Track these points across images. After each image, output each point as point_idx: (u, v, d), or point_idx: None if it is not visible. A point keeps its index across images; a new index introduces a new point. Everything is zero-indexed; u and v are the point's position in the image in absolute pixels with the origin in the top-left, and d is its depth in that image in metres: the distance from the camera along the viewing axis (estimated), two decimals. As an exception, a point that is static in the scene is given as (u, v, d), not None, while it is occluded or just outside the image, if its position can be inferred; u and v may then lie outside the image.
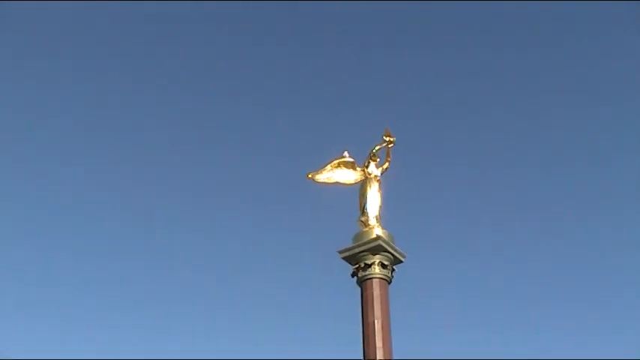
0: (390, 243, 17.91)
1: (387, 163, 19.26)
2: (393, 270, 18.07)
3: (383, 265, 17.61)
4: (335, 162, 19.50)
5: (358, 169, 19.34)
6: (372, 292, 17.38)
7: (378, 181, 18.97)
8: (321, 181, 19.47)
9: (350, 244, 18.08)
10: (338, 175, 19.41)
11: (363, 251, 17.63)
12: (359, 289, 17.84)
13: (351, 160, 19.52)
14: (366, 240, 17.77)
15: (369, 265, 17.53)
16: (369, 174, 19.01)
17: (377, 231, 17.90)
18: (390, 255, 17.79)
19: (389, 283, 17.91)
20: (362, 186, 18.97)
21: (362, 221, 18.39)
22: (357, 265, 17.73)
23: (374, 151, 19.25)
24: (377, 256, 17.57)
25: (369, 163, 19.21)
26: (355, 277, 17.94)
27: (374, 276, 17.46)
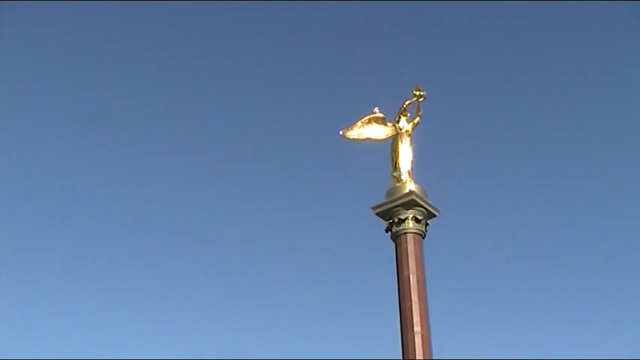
0: (423, 197, 17.93)
1: (417, 118, 19.16)
2: (427, 224, 18.12)
3: (417, 220, 17.66)
4: (366, 118, 19.49)
5: (389, 124, 19.30)
6: (407, 247, 17.46)
7: (409, 136, 18.92)
8: (353, 137, 19.50)
9: (383, 200, 18.14)
10: (369, 131, 19.41)
11: (396, 206, 17.67)
12: (393, 244, 17.93)
13: (382, 115, 19.48)
14: (399, 195, 17.79)
15: (403, 220, 17.58)
16: (400, 129, 18.96)
17: (410, 186, 17.91)
18: (423, 209, 17.82)
19: (423, 237, 17.97)
20: (393, 141, 18.95)
21: (394, 177, 18.41)
22: (391, 221, 17.80)
23: (404, 106, 19.17)
24: (410, 210, 17.61)
25: (399, 118, 19.15)
26: (389, 233, 18.03)
27: (408, 231, 17.53)
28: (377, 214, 18.17)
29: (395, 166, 18.56)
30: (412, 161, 18.63)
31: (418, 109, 19.20)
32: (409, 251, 17.44)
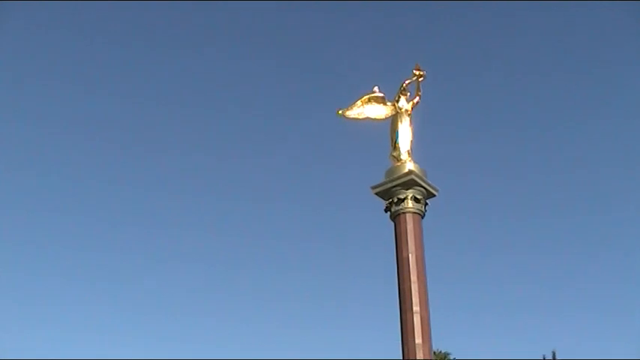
0: (423, 177, 17.86)
1: (417, 98, 19.03)
2: (426, 204, 18.07)
3: (416, 200, 17.60)
4: (365, 97, 19.35)
5: (389, 103, 19.16)
6: (406, 227, 17.42)
7: (409, 115, 18.79)
8: (352, 117, 19.37)
9: (382, 180, 18.07)
10: (368, 110, 19.28)
11: (395, 186, 17.61)
12: (392, 224, 17.89)
13: (381, 95, 19.34)
14: (398, 175, 17.72)
15: (402, 200, 17.52)
16: (400, 108, 18.84)
17: (409, 165, 17.83)
18: (422, 189, 17.76)
19: (422, 217, 17.93)
20: (393, 121, 18.83)
21: (394, 156, 18.32)
22: (390, 200, 17.74)
23: (404, 85, 19.03)
24: (410, 190, 17.54)
25: (399, 97, 19.01)
26: (389, 213, 17.99)
27: (407, 210, 17.48)
28: (376, 193, 18.12)
29: (394, 146, 18.46)
30: (412, 141, 18.53)
31: (418, 89, 19.07)
32: (408, 231, 17.40)
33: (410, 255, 17.10)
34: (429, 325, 16.80)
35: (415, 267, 17.01)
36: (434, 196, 18.20)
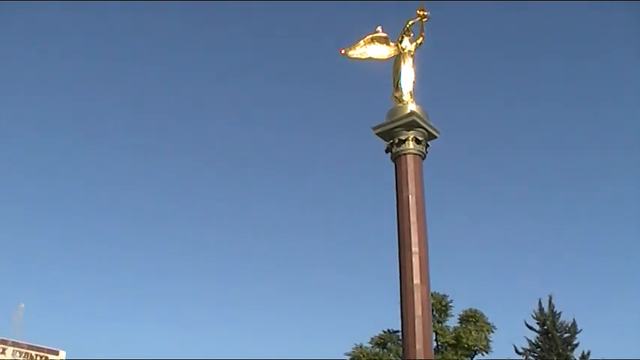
0: (424, 119, 17.80)
1: (420, 39, 18.84)
2: (427, 146, 18.04)
3: (417, 141, 17.57)
4: (368, 37, 19.15)
5: (392, 44, 18.98)
6: (406, 168, 17.43)
7: (412, 56, 18.64)
8: (355, 56, 19.21)
9: (384, 120, 18.02)
10: (371, 50, 19.10)
11: (397, 127, 17.56)
12: (393, 165, 17.90)
13: (385, 35, 19.15)
14: (400, 116, 17.67)
15: (403, 141, 17.49)
16: (403, 49, 18.67)
17: (411, 107, 17.76)
18: (424, 130, 17.71)
19: (423, 158, 17.92)
20: (396, 61, 18.68)
21: (396, 97, 18.23)
22: (392, 141, 17.71)
23: (407, 26, 18.82)
24: (411, 131, 17.50)
25: (402, 38, 18.82)
26: (389, 154, 17.97)
27: (408, 152, 17.46)
28: (377, 134, 18.08)
29: (397, 87, 18.34)
30: (414, 82, 18.41)
31: (421, 30, 18.86)
32: (409, 172, 17.41)
33: (410, 196, 17.15)
34: (427, 265, 16.96)
35: (415, 208, 17.08)
36: (435, 137, 18.18)
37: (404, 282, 16.70)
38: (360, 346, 41.91)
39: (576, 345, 54.51)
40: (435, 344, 36.50)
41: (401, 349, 19.92)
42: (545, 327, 54.61)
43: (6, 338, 79.95)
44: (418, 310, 16.27)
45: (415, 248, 16.77)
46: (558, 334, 54.35)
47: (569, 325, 54.87)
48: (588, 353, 53.99)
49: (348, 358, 41.66)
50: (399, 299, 16.89)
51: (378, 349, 41.91)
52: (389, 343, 41.62)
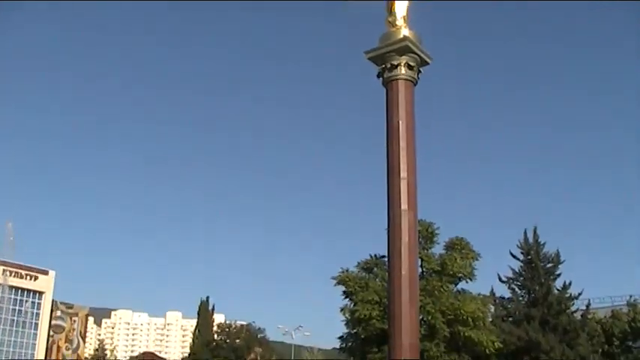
0: (417, 44, 17.54)
1: (415, -38, 18.42)
2: (419, 72, 17.85)
3: (409, 67, 17.35)
4: (362, -41, 18.73)
5: (386, -33, 18.57)
6: (398, 93, 17.27)
7: (406, -20, 18.25)
8: (348, -21, 18.82)
9: (377, 45, 17.78)
10: (365, -27, 18.72)
11: (389, 52, 17.31)
12: (385, 90, 17.75)
13: (379, -43, 18.70)
14: (392, 40, 17.40)
15: (395, 66, 17.27)
16: (398, -28, 18.27)
17: (404, 32, 17.47)
18: (416, 56, 17.48)
19: (414, 84, 17.76)
20: (390, -15, 18.30)
21: (389, 22, 17.90)
22: (384, 66, 17.49)
23: (403, -52, 18.36)
24: (403, 57, 17.26)
25: (397, -39, 18.39)
26: (381, 79, 17.79)
27: (400, 77, 17.26)
28: (369, 58, 17.84)
29: (390, 11, 17.98)
30: (408, 7, 18.09)
31: (417, -48, 18.43)
32: (400, 97, 17.27)
33: (400, 121, 17.05)
34: (415, 192, 17.01)
35: (405, 133, 17.01)
36: (427, 64, 17.96)
37: (392, 208, 16.78)
38: (347, 271, 42.47)
39: (559, 275, 55.64)
40: (420, 270, 37.06)
41: (387, 274, 20.16)
42: (529, 257, 55.57)
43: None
44: (405, 237, 16.39)
45: (404, 174, 16.77)
46: (542, 264, 55.36)
47: (553, 256, 55.86)
48: (570, 284, 55.18)
49: (334, 282, 42.23)
50: (387, 225, 17.01)
51: (364, 274, 42.51)
52: (375, 268, 42.19)
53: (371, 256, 42.83)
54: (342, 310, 42.55)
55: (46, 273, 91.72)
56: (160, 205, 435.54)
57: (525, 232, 56.35)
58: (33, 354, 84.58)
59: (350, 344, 42.88)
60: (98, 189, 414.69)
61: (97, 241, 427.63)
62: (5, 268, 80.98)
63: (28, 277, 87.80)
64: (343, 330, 43.28)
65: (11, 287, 77.66)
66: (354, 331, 41.85)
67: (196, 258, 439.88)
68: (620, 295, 65.15)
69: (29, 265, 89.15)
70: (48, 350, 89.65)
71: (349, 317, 41.63)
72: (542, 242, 56.05)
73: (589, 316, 57.09)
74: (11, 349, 79.78)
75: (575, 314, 55.56)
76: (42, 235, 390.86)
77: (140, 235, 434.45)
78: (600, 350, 53.58)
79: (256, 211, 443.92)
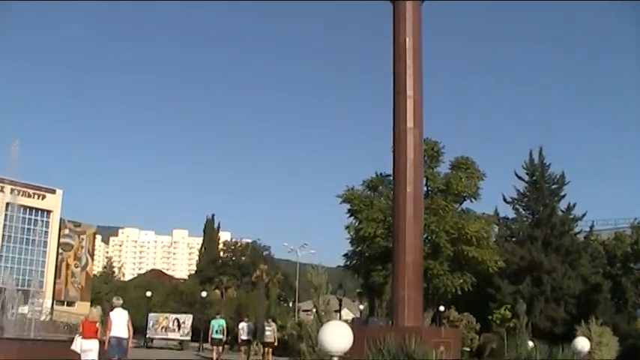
0: (426, -41, 17.19)
1: None
2: (427, -12, 17.51)
3: (417, -17, 17.05)
4: None
5: None
6: (405, 11, 17.05)
7: None
8: None
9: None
10: None
11: (397, -33, 16.99)
12: (391, 6, 17.45)
13: None
14: (400, -45, 17.03)
15: (403, -18, 16.98)
16: None
17: (412, -55, 17.07)
18: (424, -28, 17.15)
19: (421, 2, 17.45)
20: None
21: None
22: (391, -18, 17.20)
23: None
24: (411, -28, 16.95)
25: None
26: (388, -6, 17.49)
27: (407, -7, 16.99)
28: (376, -26, 17.53)
29: None
30: None
31: None
32: (407, 15, 17.03)
33: (407, 38, 16.86)
34: (421, 110, 16.94)
35: (411, 51, 16.85)
36: (436, -20, 17.64)
37: (397, 125, 16.75)
38: (352, 189, 42.60)
39: (563, 196, 55.77)
40: (425, 189, 37.10)
41: (392, 192, 20.24)
42: (534, 178, 55.59)
43: (3, 177, 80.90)
44: (410, 153, 16.41)
45: (410, 92, 16.68)
46: (546, 185, 55.43)
47: (558, 177, 55.88)
48: (574, 205, 55.37)
49: (339, 200, 42.40)
50: (392, 143, 16.99)
51: (369, 192, 42.66)
52: (380, 186, 42.31)
53: (376, 175, 42.90)
54: (346, 228, 42.90)
55: (53, 192, 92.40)
56: (167, 123, 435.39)
57: (530, 153, 56.26)
58: (43, 271, 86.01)
59: (354, 262, 43.43)
60: (105, 107, 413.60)
61: (103, 160, 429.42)
62: (13, 187, 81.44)
63: (36, 196, 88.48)
64: (348, 248, 43.79)
65: (20, 206, 78.31)
66: (359, 249, 42.29)
67: (202, 176, 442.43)
68: (623, 217, 65.39)
69: (37, 184, 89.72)
70: (57, 267, 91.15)
71: (354, 235, 42.01)
72: (547, 163, 56.02)
73: (592, 238, 57.48)
74: (22, 267, 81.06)
75: (578, 236, 55.93)
76: (49, 154, 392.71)
77: (146, 154, 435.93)
78: (602, 271, 54.13)
79: (262, 130, 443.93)
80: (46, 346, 24.21)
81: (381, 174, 42.67)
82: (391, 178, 18.75)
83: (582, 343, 17.09)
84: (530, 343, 19.57)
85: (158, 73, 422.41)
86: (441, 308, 44.60)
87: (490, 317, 48.40)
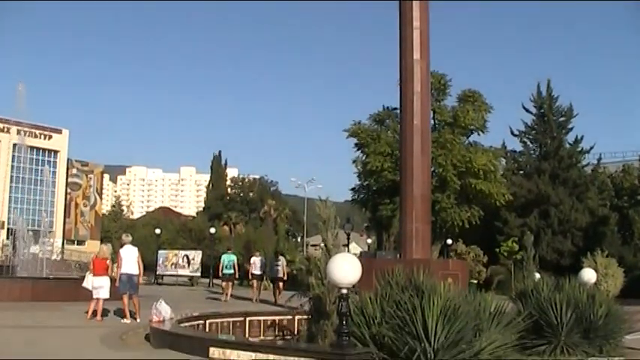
0: None
1: None
2: None
3: None
4: None
5: None
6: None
7: None
8: None
9: None
10: None
11: None
12: None
13: None
14: None
15: None
16: None
17: None
18: None
19: None
20: None
21: None
22: None
23: None
24: None
25: None
26: None
27: None
28: None
29: None
30: None
31: None
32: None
33: (413, -33, 16.45)
34: (428, 41, 16.64)
35: (418, -20, 16.43)
36: None
37: (404, 58, 16.46)
38: (359, 123, 42.43)
39: (571, 129, 55.46)
40: (432, 122, 36.98)
41: (399, 125, 20.09)
42: (542, 110, 55.19)
43: (9, 118, 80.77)
44: (417, 86, 16.18)
45: (416, 23, 16.34)
46: (554, 118, 55.07)
47: (566, 110, 55.46)
48: (581, 138, 55.11)
49: (346, 134, 42.27)
50: (399, 76, 16.76)
51: (376, 126, 42.50)
52: (387, 120, 42.13)
53: (383, 108, 42.67)
54: (354, 162, 42.94)
55: (59, 132, 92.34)
56: (173, 60, 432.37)
57: (538, 86, 55.73)
58: (52, 211, 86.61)
59: (362, 196, 43.60)
60: (109, 44, 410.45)
61: (108, 98, 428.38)
62: (19, 128, 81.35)
63: (43, 137, 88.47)
64: (355, 183, 43.89)
65: (27, 147, 78.37)
66: (366, 182, 42.40)
67: (209, 113, 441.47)
68: (631, 149, 65.03)
69: (43, 125, 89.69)
70: (66, 207, 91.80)
71: (361, 169, 42.06)
72: (555, 95, 55.54)
73: (599, 171, 57.36)
74: (31, 207, 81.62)
75: (585, 168, 55.82)
76: (53, 94, 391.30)
77: (152, 91, 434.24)
78: (609, 204, 54.18)
79: (269, 66, 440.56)
80: (58, 284, 24.56)
81: (387, 107, 42.45)
82: (398, 111, 18.52)
83: (589, 275, 17.17)
84: (537, 275, 19.67)
85: (165, 6, 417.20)
86: (449, 241, 44.90)
87: (497, 250, 48.74)
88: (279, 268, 28.38)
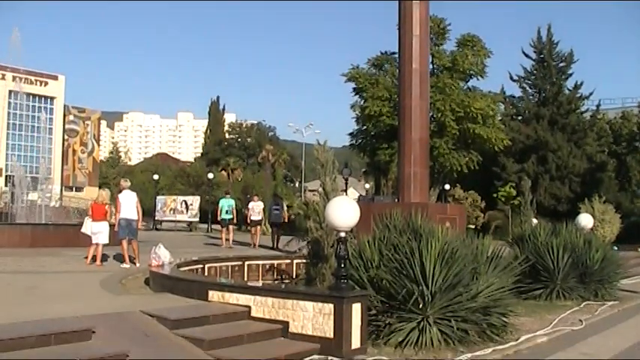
0: None
1: None
2: None
3: None
4: None
5: None
6: None
7: None
8: None
9: None
10: None
11: None
12: None
13: None
14: None
15: None
16: None
17: None
18: None
19: None
20: None
21: None
22: None
23: None
24: None
25: None
26: None
27: None
28: None
29: None
30: None
31: None
32: None
33: None
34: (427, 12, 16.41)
35: None
36: None
37: (403, 0, 16.26)
38: (357, 67, 42.06)
39: (570, 75, 55.15)
40: (430, 67, 36.68)
41: (397, 69, 19.93)
42: (542, 55, 54.79)
43: (4, 64, 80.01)
44: (416, 30, 16.01)
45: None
46: (554, 63, 54.70)
47: (566, 55, 55.04)
48: (581, 84, 54.81)
49: (344, 78, 41.94)
50: (397, 19, 16.55)
51: (374, 70, 42.15)
52: (385, 64, 41.76)
53: (381, 53, 42.27)
54: (352, 106, 42.75)
55: (55, 78, 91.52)
56: (170, 4, 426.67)
57: (539, 30, 55.20)
58: (50, 158, 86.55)
59: (360, 141, 43.51)
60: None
61: (105, 44, 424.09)
62: (15, 74, 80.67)
63: (39, 83, 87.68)
64: (353, 127, 43.75)
65: (23, 93, 77.91)
66: (364, 127, 42.26)
67: (205, 57, 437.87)
68: (631, 96, 64.83)
69: (38, 71, 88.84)
70: (64, 154, 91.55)
71: (359, 114, 41.88)
72: (555, 41, 55.06)
73: (598, 117, 57.26)
74: (29, 154, 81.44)
75: (584, 114, 55.70)
76: (49, 40, 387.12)
77: (147, 35, 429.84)
78: (607, 150, 54.24)
79: (266, 9, 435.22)
80: (57, 230, 24.63)
81: (386, 52, 42.04)
82: (397, 55, 18.35)
83: (586, 220, 17.26)
84: (535, 220, 19.79)
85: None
86: (447, 186, 44.98)
87: (495, 195, 48.93)
88: (279, 212, 27.77)
